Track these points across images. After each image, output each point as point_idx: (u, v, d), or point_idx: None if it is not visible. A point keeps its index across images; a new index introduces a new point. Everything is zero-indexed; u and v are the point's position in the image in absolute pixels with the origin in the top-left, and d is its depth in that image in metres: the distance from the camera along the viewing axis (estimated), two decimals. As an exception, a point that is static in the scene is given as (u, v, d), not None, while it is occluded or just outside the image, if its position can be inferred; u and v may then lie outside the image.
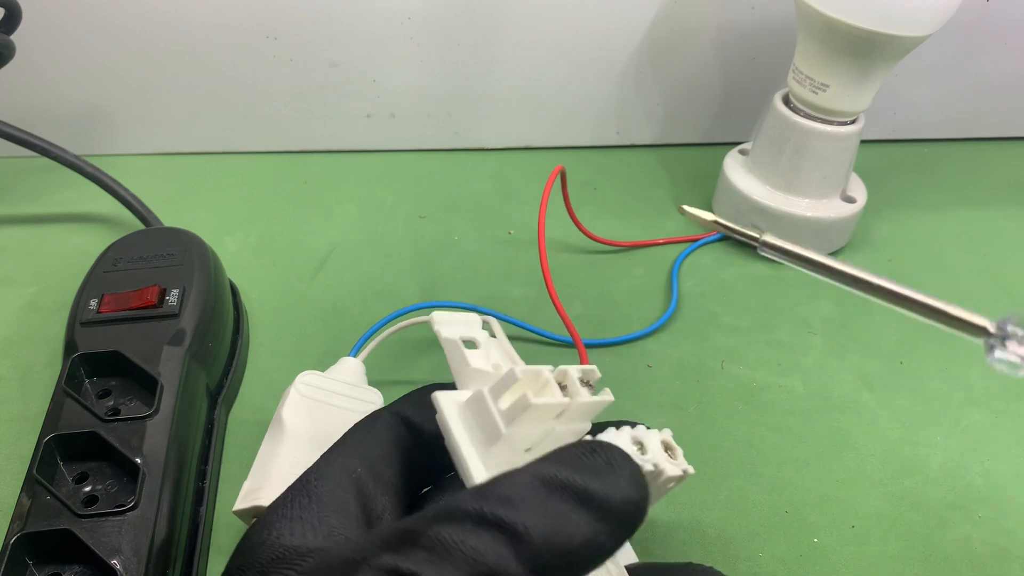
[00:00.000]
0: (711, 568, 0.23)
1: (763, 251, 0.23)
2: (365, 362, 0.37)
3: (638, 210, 0.51)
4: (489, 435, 0.21)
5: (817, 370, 0.41)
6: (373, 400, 0.34)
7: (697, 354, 0.41)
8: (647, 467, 0.21)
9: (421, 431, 0.24)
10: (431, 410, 0.23)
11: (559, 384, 0.22)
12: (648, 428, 0.23)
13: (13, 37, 0.42)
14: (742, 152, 0.49)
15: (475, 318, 0.26)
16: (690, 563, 0.24)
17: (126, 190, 0.45)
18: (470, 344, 0.26)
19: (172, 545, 0.29)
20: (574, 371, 0.22)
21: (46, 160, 0.44)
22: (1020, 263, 0.48)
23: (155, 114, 0.53)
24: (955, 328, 0.19)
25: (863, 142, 0.46)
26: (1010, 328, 0.18)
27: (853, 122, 0.44)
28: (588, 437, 0.22)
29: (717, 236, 0.49)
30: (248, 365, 0.40)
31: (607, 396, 0.23)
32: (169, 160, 0.54)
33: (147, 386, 0.32)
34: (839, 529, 0.34)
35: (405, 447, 0.24)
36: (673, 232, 0.49)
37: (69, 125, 0.52)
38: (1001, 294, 0.46)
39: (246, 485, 0.31)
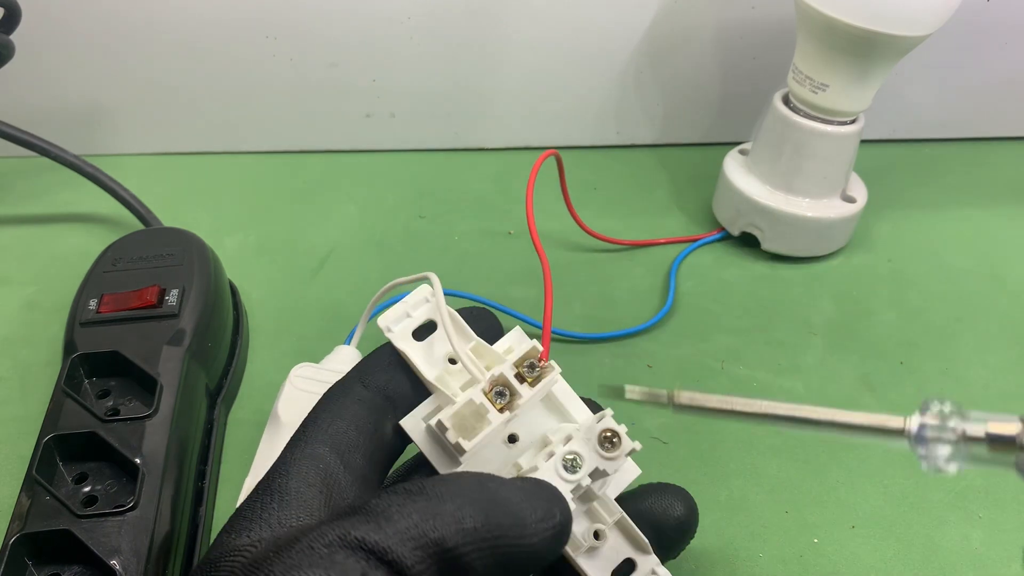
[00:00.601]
0: (680, 488, 0.26)
1: (677, 411, 0.23)
2: (360, 349, 0.37)
3: (638, 210, 0.51)
4: (453, 458, 0.24)
5: (817, 370, 0.41)
6: None
7: (697, 354, 0.41)
8: (584, 482, 0.23)
9: (393, 398, 0.24)
10: (399, 370, 0.25)
11: (500, 390, 0.24)
12: (597, 416, 0.24)
13: (13, 37, 0.42)
14: (742, 152, 0.49)
15: (420, 294, 0.26)
16: (660, 483, 0.26)
17: (126, 190, 0.45)
18: (425, 330, 0.26)
19: (172, 545, 0.29)
20: (510, 371, 0.24)
21: (46, 160, 0.44)
22: (1020, 263, 0.48)
23: (155, 114, 0.53)
24: (877, 437, 0.19)
25: (863, 142, 0.46)
26: (928, 425, 0.17)
27: (853, 122, 0.44)
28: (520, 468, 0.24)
29: (717, 236, 0.49)
30: (248, 365, 0.40)
31: (550, 376, 0.24)
32: (169, 160, 0.54)
33: (147, 386, 0.32)
34: (839, 529, 0.34)
35: (379, 419, 0.24)
36: (673, 232, 0.49)
37: (69, 125, 0.52)
38: (1001, 294, 0.46)
39: (247, 481, 0.32)
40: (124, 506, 0.28)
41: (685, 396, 0.22)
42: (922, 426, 0.18)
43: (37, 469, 0.28)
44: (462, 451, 0.23)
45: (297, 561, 0.17)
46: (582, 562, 0.24)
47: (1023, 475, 0.16)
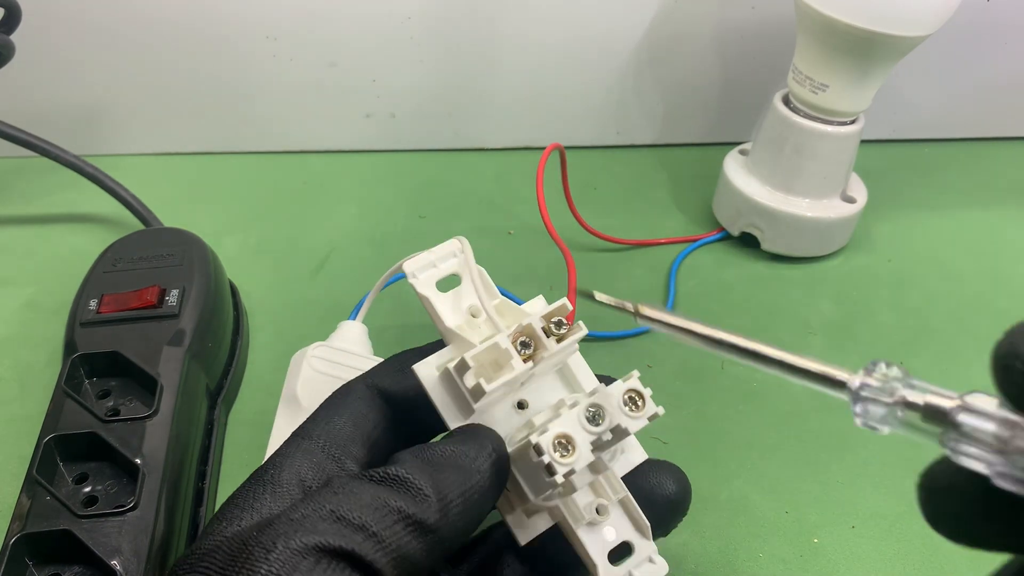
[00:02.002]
0: (673, 465, 0.27)
1: (640, 321, 0.23)
2: (367, 323, 0.37)
3: (638, 210, 0.51)
4: (465, 408, 0.23)
5: (817, 370, 0.41)
6: None
7: (697, 354, 0.41)
8: (606, 436, 0.22)
9: (397, 399, 0.24)
10: (406, 377, 0.24)
11: (526, 340, 0.23)
12: (624, 377, 0.23)
13: (13, 37, 0.42)
14: (742, 152, 0.49)
15: (449, 247, 0.26)
16: (654, 459, 0.26)
17: (126, 190, 0.45)
18: (450, 283, 0.26)
19: (172, 545, 0.29)
20: (538, 323, 0.23)
21: (46, 160, 0.44)
22: (1020, 263, 0.48)
23: (155, 114, 0.53)
24: (820, 385, 0.19)
25: (863, 142, 0.46)
26: (871, 384, 0.18)
27: (853, 122, 0.44)
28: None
29: (717, 236, 0.49)
30: (248, 365, 0.40)
31: (577, 335, 0.23)
32: (169, 160, 0.54)
33: (147, 386, 0.32)
34: (839, 529, 0.34)
35: (379, 419, 0.24)
36: (673, 232, 0.49)
37: (69, 125, 0.52)
38: (1001, 294, 0.46)
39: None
40: (124, 506, 0.28)
41: (649, 309, 0.23)
42: (864, 384, 0.18)
43: (37, 469, 0.28)
44: (480, 394, 0.22)
45: (282, 530, 0.18)
46: (581, 534, 0.24)
47: (947, 448, 0.16)
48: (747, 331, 0.45)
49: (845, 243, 0.48)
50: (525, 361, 0.23)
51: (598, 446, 0.22)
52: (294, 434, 0.23)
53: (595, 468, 0.24)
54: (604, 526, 0.24)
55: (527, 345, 0.23)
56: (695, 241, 0.48)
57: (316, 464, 0.22)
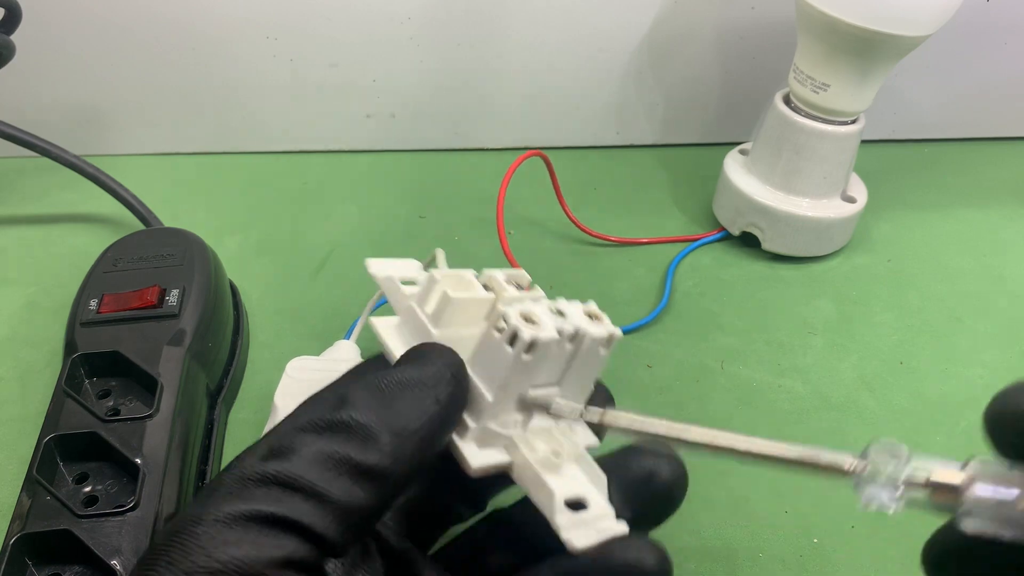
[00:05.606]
0: (670, 451, 0.24)
1: (611, 432, 0.22)
2: (360, 343, 0.37)
3: (638, 210, 0.51)
4: (423, 339, 0.22)
5: (817, 370, 0.41)
6: None
7: (697, 354, 0.41)
8: (568, 329, 0.21)
9: None
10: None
11: (485, 287, 0.23)
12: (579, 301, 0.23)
13: (13, 37, 0.42)
14: (742, 152, 0.49)
15: (414, 262, 0.26)
16: (646, 446, 0.25)
17: (126, 190, 0.45)
18: (408, 282, 0.25)
19: (172, 545, 0.29)
20: (499, 273, 0.23)
21: (46, 160, 0.44)
22: (1020, 263, 0.48)
23: (155, 114, 0.53)
24: (825, 475, 0.18)
25: (863, 142, 0.46)
26: (871, 463, 0.17)
27: (853, 122, 0.44)
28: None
29: (717, 236, 0.49)
30: (248, 365, 0.40)
31: (535, 292, 0.24)
32: (169, 160, 0.54)
33: (147, 386, 0.32)
34: (839, 529, 0.34)
35: None
36: (673, 232, 0.49)
37: (69, 125, 0.52)
38: (1001, 294, 0.46)
39: None
40: (125, 506, 0.28)
41: (610, 415, 0.21)
42: (865, 466, 0.18)
43: (38, 469, 0.28)
44: (447, 303, 0.22)
45: (212, 501, 0.18)
46: (538, 469, 0.22)
47: (962, 525, 0.16)
48: (747, 331, 0.46)
49: (845, 243, 0.48)
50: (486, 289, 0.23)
51: (563, 336, 0.21)
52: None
53: (556, 413, 0.23)
54: (560, 475, 0.22)
55: (487, 288, 0.23)
56: (695, 241, 0.48)
57: None
